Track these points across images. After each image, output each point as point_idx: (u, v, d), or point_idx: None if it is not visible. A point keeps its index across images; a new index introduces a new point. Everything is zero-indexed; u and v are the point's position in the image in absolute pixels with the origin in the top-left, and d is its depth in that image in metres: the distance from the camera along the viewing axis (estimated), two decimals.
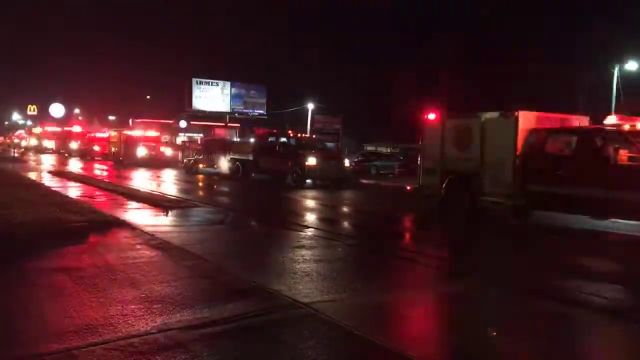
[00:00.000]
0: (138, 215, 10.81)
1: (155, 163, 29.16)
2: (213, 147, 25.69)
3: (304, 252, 7.73)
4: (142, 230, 8.67)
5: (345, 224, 12.28)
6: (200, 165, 25.58)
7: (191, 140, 35.85)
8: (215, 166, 24.74)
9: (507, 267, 7.51)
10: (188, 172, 25.43)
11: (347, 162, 21.74)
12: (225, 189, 19.39)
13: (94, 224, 8.77)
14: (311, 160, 19.61)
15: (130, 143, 31.00)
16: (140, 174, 23.93)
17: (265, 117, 46.03)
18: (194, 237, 8.56)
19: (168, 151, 31.64)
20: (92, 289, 5.30)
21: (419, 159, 13.64)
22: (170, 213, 11.12)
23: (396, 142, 46.10)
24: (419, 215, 13.41)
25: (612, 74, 25.63)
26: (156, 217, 10.74)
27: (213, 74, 45.70)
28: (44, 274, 5.91)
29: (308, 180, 20.03)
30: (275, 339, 4.28)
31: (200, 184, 21.15)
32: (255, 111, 46.31)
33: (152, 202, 12.48)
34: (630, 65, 25.67)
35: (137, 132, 33.07)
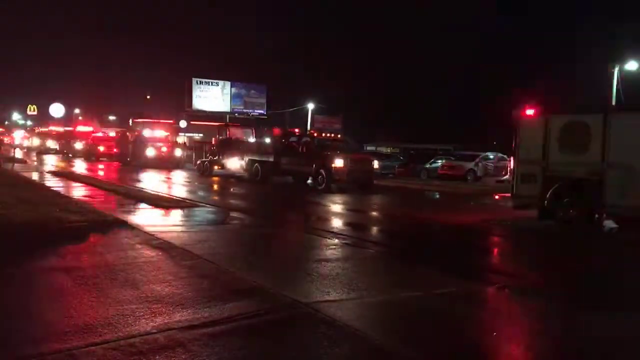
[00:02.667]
0: (141, 217, 10.80)
1: (165, 164, 27.87)
2: (229, 147, 24.23)
3: (312, 254, 7.73)
4: (142, 231, 8.67)
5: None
6: (215, 167, 24.20)
7: (206, 141, 34.51)
8: (232, 168, 23.51)
9: None
10: (202, 174, 24.05)
11: (376, 164, 20.24)
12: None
13: (95, 224, 8.77)
14: (338, 162, 18.35)
15: (139, 143, 29.53)
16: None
17: (265, 117, 46.06)
18: (195, 237, 8.55)
19: (178, 152, 30.23)
20: (92, 289, 5.30)
21: (511, 163, 11.76)
22: (172, 213, 11.12)
23: (401, 142, 46.15)
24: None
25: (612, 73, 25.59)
26: (159, 218, 10.74)
27: (213, 74, 45.73)
28: (44, 274, 5.92)
29: (333, 184, 18.60)
30: (276, 339, 4.28)
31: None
32: (255, 111, 46.37)
33: (157, 204, 12.26)
34: (630, 65, 25.63)
35: (145, 132, 31.49)
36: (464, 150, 31.09)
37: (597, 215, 10.24)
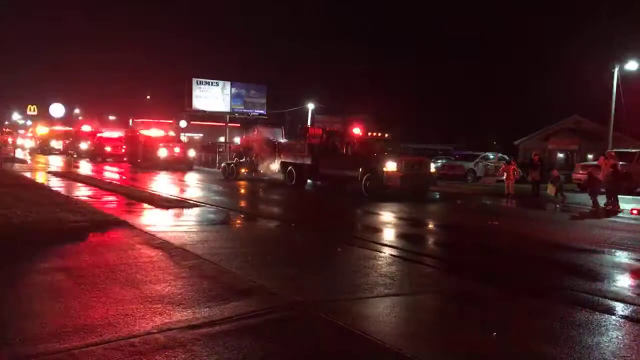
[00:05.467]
0: (143, 218, 10.79)
1: (178, 166, 26.70)
2: (258, 149, 22.06)
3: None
4: (143, 231, 8.67)
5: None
6: (242, 170, 22.24)
7: (231, 142, 32.44)
8: (262, 171, 21.69)
9: None
10: (227, 177, 22.14)
11: (432, 167, 17.98)
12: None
13: (96, 224, 8.77)
14: (391, 165, 16.25)
15: (150, 143, 28.18)
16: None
17: (266, 117, 46.06)
18: (196, 237, 8.54)
19: (192, 152, 29.07)
20: (92, 289, 5.31)
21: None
22: (174, 214, 11.12)
23: (401, 142, 46.14)
24: None
25: (612, 73, 25.59)
26: (164, 219, 10.74)
27: (213, 73, 45.75)
28: (44, 274, 5.91)
29: (384, 190, 16.27)
30: (276, 339, 4.28)
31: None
32: (256, 111, 46.35)
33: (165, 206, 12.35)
34: (630, 65, 25.62)
35: (157, 132, 30.21)
36: (464, 150, 31.12)
37: None
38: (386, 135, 19.18)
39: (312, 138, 19.47)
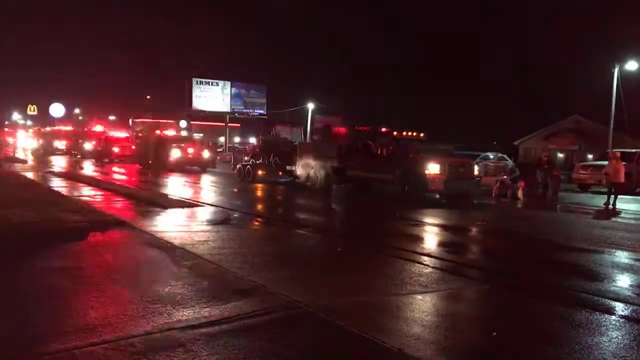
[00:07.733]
0: (145, 218, 10.77)
1: (191, 167, 26.21)
2: (277, 149, 20.90)
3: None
4: (143, 231, 8.66)
5: None
6: (259, 172, 20.98)
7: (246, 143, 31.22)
8: (280, 173, 20.54)
9: None
10: (243, 179, 20.98)
11: (476, 170, 16.83)
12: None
13: (95, 224, 8.76)
14: (434, 168, 14.94)
15: (161, 144, 27.08)
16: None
17: (265, 117, 46.17)
18: (197, 237, 8.53)
19: (206, 153, 27.76)
20: (92, 289, 5.30)
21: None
22: (175, 214, 11.12)
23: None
24: None
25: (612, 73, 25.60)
26: (163, 219, 10.74)
27: (213, 73, 45.79)
28: (44, 274, 5.91)
29: (425, 194, 15.09)
30: (276, 339, 4.27)
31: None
32: (256, 111, 46.50)
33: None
34: (630, 65, 25.63)
35: (169, 132, 29.29)
36: (464, 150, 31.11)
37: None
38: (421, 135, 17.81)
39: (338, 138, 18.19)
